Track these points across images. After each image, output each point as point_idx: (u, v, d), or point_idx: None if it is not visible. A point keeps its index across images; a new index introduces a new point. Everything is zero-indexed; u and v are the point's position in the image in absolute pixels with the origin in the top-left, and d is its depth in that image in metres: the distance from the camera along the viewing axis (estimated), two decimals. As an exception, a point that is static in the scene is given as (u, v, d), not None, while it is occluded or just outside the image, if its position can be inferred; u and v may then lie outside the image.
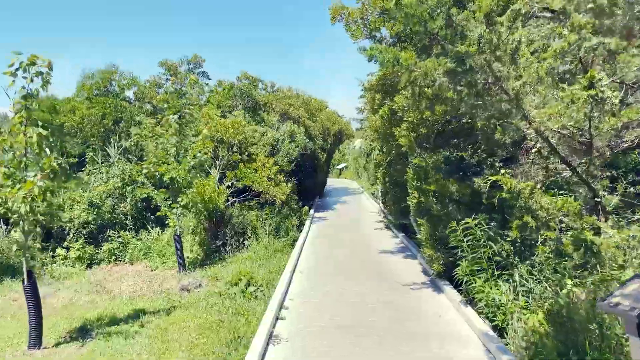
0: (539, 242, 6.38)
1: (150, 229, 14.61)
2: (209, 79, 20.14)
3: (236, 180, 14.33)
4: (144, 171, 11.65)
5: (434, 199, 7.99)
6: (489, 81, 6.43)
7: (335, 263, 11.53)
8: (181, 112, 11.81)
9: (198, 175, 12.41)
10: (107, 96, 17.89)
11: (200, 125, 14.63)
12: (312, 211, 21.69)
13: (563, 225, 6.54)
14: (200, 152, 11.67)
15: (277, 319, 7.55)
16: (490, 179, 6.39)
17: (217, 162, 14.59)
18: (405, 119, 8.51)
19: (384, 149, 13.82)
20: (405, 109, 8.13)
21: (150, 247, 14.17)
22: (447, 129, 8.32)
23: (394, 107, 8.47)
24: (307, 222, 18.00)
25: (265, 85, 23.87)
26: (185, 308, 9.34)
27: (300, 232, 16.98)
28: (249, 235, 13.88)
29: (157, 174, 11.64)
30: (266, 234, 13.75)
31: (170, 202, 11.99)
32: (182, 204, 11.68)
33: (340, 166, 54.94)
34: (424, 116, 8.07)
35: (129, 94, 19.08)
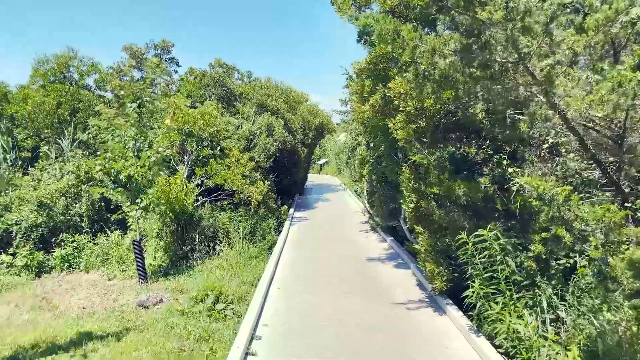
0: (574, 260, 5.21)
1: (109, 232, 13.10)
2: (179, 66, 18.61)
3: (206, 178, 12.92)
4: (97, 168, 10.16)
5: (436, 204, 6.76)
6: (510, 60, 5.21)
7: (317, 274, 10.24)
8: (140, 100, 10.35)
9: (161, 172, 10.97)
10: (64, 83, 16.22)
11: (167, 116, 13.16)
12: (291, 210, 20.37)
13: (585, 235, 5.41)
14: (162, 146, 10.24)
15: (247, 354, 6.21)
16: (517, 182, 5.18)
17: (186, 158, 13.14)
18: (401, 108, 7.25)
19: (372, 144, 12.58)
20: (403, 96, 6.86)
21: (109, 252, 12.69)
22: (450, 120, 7.10)
23: (388, 94, 7.21)
24: (287, 224, 16.68)
25: (242, 74, 22.39)
26: (140, 331, 7.95)
27: (279, 234, 15.66)
28: (221, 239, 12.50)
29: (112, 170, 10.17)
30: (240, 238, 12.38)
31: (129, 203, 10.54)
32: (141, 205, 10.24)
33: (321, 162, 53.69)
34: (424, 105, 6.83)
35: (90, 81, 17.44)
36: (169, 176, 12.70)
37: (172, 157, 13.05)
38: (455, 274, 6.77)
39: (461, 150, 6.88)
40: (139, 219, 10.58)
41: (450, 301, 7.17)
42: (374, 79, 8.40)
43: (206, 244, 12.37)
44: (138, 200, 10.30)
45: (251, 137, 15.38)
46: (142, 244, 12.74)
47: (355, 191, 25.71)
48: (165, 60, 18.41)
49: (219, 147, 14.29)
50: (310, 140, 25.97)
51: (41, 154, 15.13)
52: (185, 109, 12.66)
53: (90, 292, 10.83)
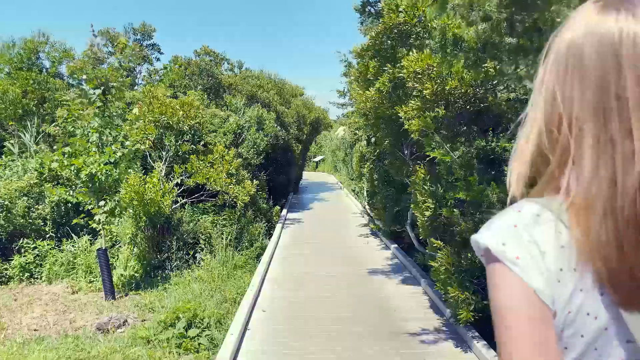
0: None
1: (76, 237, 11.64)
2: (161, 53, 17.12)
3: (187, 177, 11.49)
4: (53, 164, 8.73)
5: (461, 212, 5.37)
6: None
7: (311, 293, 8.81)
8: (105, 86, 8.91)
9: (131, 169, 9.55)
10: (32, 71, 14.72)
11: (135, 106, 11.69)
12: (284, 211, 18.97)
13: None
14: (129, 139, 8.81)
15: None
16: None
17: (163, 154, 11.71)
18: (415, 93, 5.86)
19: (374, 139, 11.17)
20: (419, 76, 5.46)
21: (75, 261, 11.24)
22: (476, 108, 5.71)
23: (400, 74, 5.81)
24: (278, 227, 15.28)
25: (232, 64, 20.95)
26: (92, 366, 6.55)
27: (270, 238, 14.25)
28: (202, 246, 11.09)
29: (72, 168, 8.73)
30: (224, 245, 10.97)
31: (92, 206, 9.11)
32: (105, 208, 8.80)
33: (317, 159, 52.35)
34: (445, 88, 5.43)
35: (63, 69, 15.92)
36: (144, 174, 11.28)
37: (147, 153, 11.62)
38: (485, 302, 5.39)
39: (492, 144, 5.48)
40: (105, 225, 9.14)
41: (477, 333, 5.78)
42: (380, 58, 7.00)
43: (185, 252, 10.96)
44: (102, 203, 8.86)
45: (239, 131, 13.95)
46: (111, 253, 11.34)
47: (353, 190, 24.32)
48: (147, 47, 16.86)
49: (202, 142, 12.86)
50: (305, 136, 24.59)
51: (5, 148, 13.64)
52: (164, 98, 11.22)
53: (48, 309, 9.40)
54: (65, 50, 15.73)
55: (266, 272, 9.96)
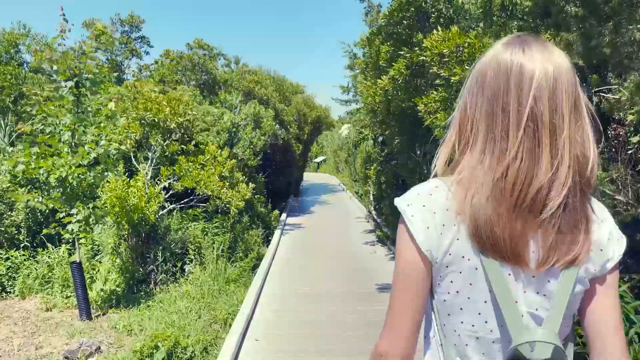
0: None
1: (52, 247, 10.61)
2: (150, 47, 16.05)
3: (175, 180, 10.46)
4: (18, 167, 7.71)
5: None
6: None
7: (312, 317, 7.74)
8: (79, 78, 7.90)
9: (110, 172, 8.52)
10: (9, 65, 13.69)
11: (122, 102, 10.68)
12: (284, 216, 17.94)
13: None
14: (104, 138, 7.80)
15: None
16: None
17: (150, 155, 10.69)
18: (439, 80, 4.82)
19: (382, 138, 10.15)
20: (445, 59, 4.42)
21: (52, 274, 10.21)
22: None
23: (422, 56, 4.77)
24: (277, 233, 14.25)
25: (228, 60, 19.90)
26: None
27: (268, 246, 13.22)
28: (192, 257, 10.06)
29: (41, 171, 7.71)
30: (215, 256, 9.94)
31: (63, 214, 8.09)
32: (78, 217, 7.78)
33: (318, 159, 51.35)
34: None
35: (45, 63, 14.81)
36: (129, 177, 10.25)
37: (132, 154, 10.61)
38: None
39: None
40: (78, 235, 8.11)
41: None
42: (394, 42, 5.97)
43: (173, 263, 9.92)
44: (74, 211, 7.83)
45: (234, 129, 12.93)
46: (92, 264, 10.33)
47: (357, 192, 23.28)
48: (135, 40, 15.77)
49: (193, 142, 11.84)
50: (306, 135, 23.58)
51: (-19, 149, 12.62)
52: (149, 93, 10.20)
53: (16, 330, 8.37)
54: (48, 44, 14.67)
55: (261, 289, 8.92)
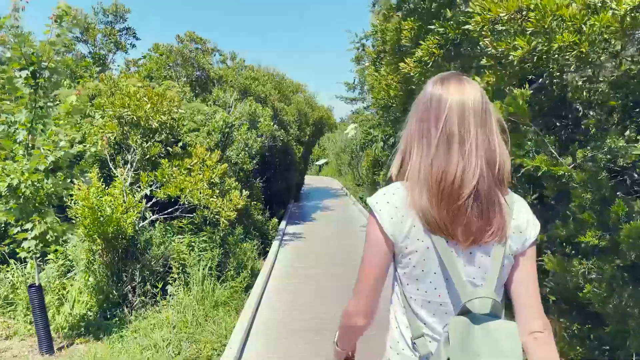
0: None
1: (15, 263, 9.36)
2: (137, 39, 14.75)
3: (157, 187, 9.23)
4: (-39, 173, 6.46)
5: (588, 264, 3.08)
6: None
7: None
8: (37, 66, 6.68)
9: (76, 180, 7.28)
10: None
11: (103, 98, 9.43)
12: (283, 223, 16.68)
13: None
14: (64, 139, 6.57)
15: None
16: None
17: (129, 157, 9.45)
18: (485, 61, 3.56)
19: (394, 140, 8.85)
20: (498, 27, 3.17)
21: (14, 295, 8.96)
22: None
23: (463, 28, 3.50)
24: (274, 245, 13.00)
25: (224, 56, 18.66)
26: None
27: (265, 259, 11.97)
28: (175, 276, 8.80)
29: (-10, 178, 6.46)
30: (201, 275, 8.68)
31: (17, 229, 6.84)
32: (32, 234, 6.53)
33: (320, 162, 50.09)
34: (552, 46, 3.13)
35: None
36: (106, 184, 9.01)
37: (110, 157, 9.39)
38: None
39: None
40: (37, 254, 6.86)
41: None
42: (418, 16, 4.71)
43: (153, 284, 8.66)
44: (29, 226, 6.59)
45: (227, 130, 11.68)
46: (61, 284, 9.08)
47: (361, 198, 21.99)
48: (120, 32, 14.47)
49: (180, 144, 10.61)
50: (307, 136, 22.33)
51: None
52: (127, 87, 8.96)
53: (-37, 365, 7.16)
54: (22, 35, 13.34)
55: (253, 318, 7.66)
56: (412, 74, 4.45)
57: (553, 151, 3.13)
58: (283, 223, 16.72)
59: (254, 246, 12.00)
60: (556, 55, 3.23)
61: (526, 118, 3.22)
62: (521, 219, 1.54)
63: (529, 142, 3.20)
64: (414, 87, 4.87)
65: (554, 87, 3.66)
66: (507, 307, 1.61)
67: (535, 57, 3.28)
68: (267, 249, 13.58)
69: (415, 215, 1.51)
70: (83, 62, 12.61)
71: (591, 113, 3.60)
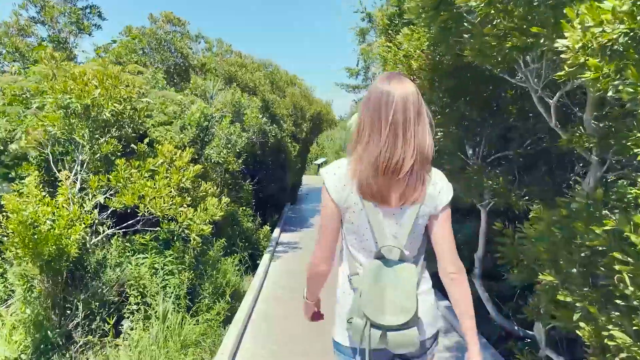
0: None
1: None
2: (103, 19, 12.83)
3: (111, 195, 7.42)
4: None
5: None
6: None
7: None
8: None
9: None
10: None
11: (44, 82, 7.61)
12: (277, 231, 14.86)
13: None
14: None
15: None
16: None
17: (78, 157, 7.64)
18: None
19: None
20: None
21: None
22: None
23: None
24: (265, 259, 11.21)
25: (210, 43, 16.80)
26: None
27: (253, 274, 10.18)
28: (134, 308, 6.98)
29: None
30: (164, 308, 6.85)
31: None
32: None
33: (319, 161, 48.36)
34: None
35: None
36: (45, 193, 7.20)
37: (46, 155, 7.59)
38: None
39: None
40: None
41: None
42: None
43: (104, 318, 6.82)
44: None
45: (206, 123, 9.87)
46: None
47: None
48: (82, 10, 12.50)
49: (147, 140, 8.81)
50: (304, 133, 20.50)
51: None
52: (72, 69, 7.14)
53: None
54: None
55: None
56: (449, 25, 2.62)
57: None
58: (277, 230, 14.89)
59: (239, 261, 10.19)
60: None
61: None
62: (436, 189, 2.03)
63: None
64: (441, 56, 3.06)
65: None
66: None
67: None
68: (258, 261, 11.80)
69: (353, 185, 2.00)
70: (37, 47, 10.78)
71: None
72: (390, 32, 6.17)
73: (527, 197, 4.94)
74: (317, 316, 2.62)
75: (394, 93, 1.90)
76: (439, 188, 2.02)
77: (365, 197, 1.96)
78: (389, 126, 1.89)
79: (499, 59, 3.35)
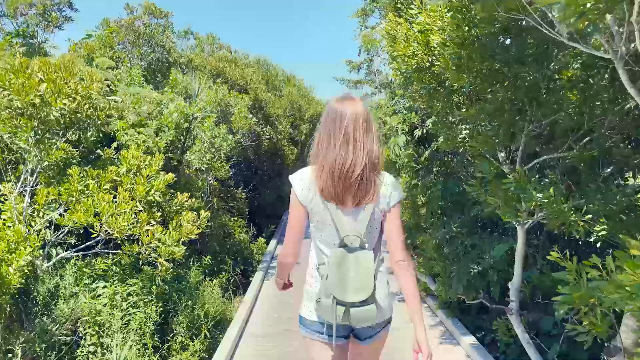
0: None
1: None
2: (74, 10, 11.62)
3: (63, 211, 6.20)
4: None
5: None
6: None
7: None
8: None
9: None
10: None
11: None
12: (272, 243, 13.60)
13: None
14: None
15: None
16: None
17: (28, 166, 6.42)
18: None
19: (421, 131, 5.93)
20: None
21: None
22: None
23: None
24: (257, 278, 9.94)
25: (200, 39, 15.62)
26: None
27: (244, 294, 8.93)
28: (89, 349, 5.74)
29: None
30: (129, 348, 5.60)
31: None
32: None
33: (320, 164, 47.00)
34: None
35: None
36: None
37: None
38: None
39: None
40: None
41: None
42: None
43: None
44: None
45: (187, 124, 8.65)
46: None
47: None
48: (51, 0, 11.32)
49: (114, 145, 7.60)
50: (303, 135, 19.26)
51: None
52: (12, 60, 5.93)
53: None
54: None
55: None
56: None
57: None
58: (272, 243, 13.63)
59: (227, 281, 8.96)
60: None
61: None
62: (387, 190, 2.41)
63: None
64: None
65: None
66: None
67: None
68: (251, 277, 10.56)
69: (316, 188, 2.34)
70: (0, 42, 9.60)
71: None
72: (400, 5, 4.94)
73: (589, 214, 3.67)
74: (287, 286, 2.91)
75: (346, 111, 2.36)
76: (391, 188, 2.44)
77: (327, 199, 2.34)
78: (342, 137, 2.33)
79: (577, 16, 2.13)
